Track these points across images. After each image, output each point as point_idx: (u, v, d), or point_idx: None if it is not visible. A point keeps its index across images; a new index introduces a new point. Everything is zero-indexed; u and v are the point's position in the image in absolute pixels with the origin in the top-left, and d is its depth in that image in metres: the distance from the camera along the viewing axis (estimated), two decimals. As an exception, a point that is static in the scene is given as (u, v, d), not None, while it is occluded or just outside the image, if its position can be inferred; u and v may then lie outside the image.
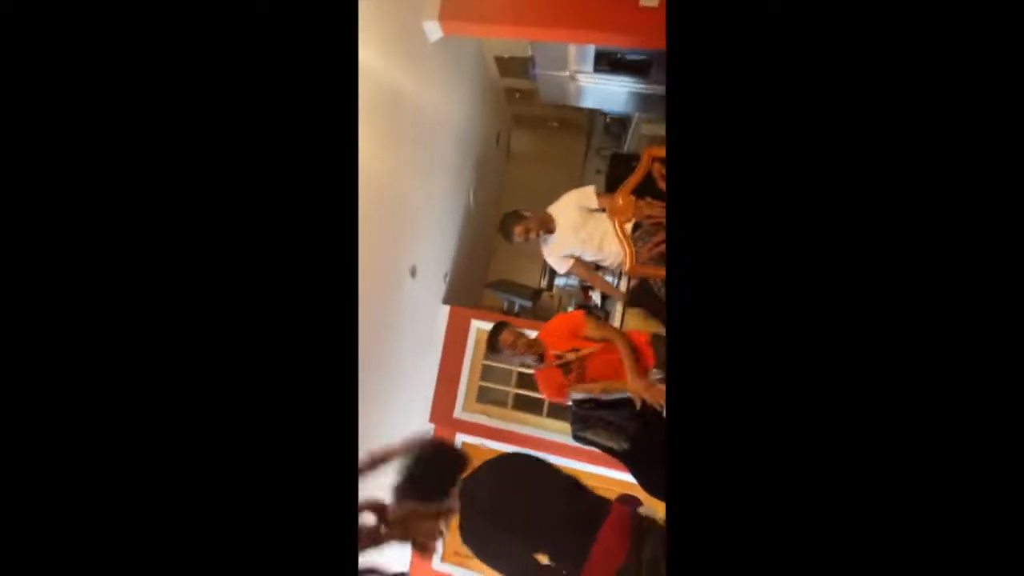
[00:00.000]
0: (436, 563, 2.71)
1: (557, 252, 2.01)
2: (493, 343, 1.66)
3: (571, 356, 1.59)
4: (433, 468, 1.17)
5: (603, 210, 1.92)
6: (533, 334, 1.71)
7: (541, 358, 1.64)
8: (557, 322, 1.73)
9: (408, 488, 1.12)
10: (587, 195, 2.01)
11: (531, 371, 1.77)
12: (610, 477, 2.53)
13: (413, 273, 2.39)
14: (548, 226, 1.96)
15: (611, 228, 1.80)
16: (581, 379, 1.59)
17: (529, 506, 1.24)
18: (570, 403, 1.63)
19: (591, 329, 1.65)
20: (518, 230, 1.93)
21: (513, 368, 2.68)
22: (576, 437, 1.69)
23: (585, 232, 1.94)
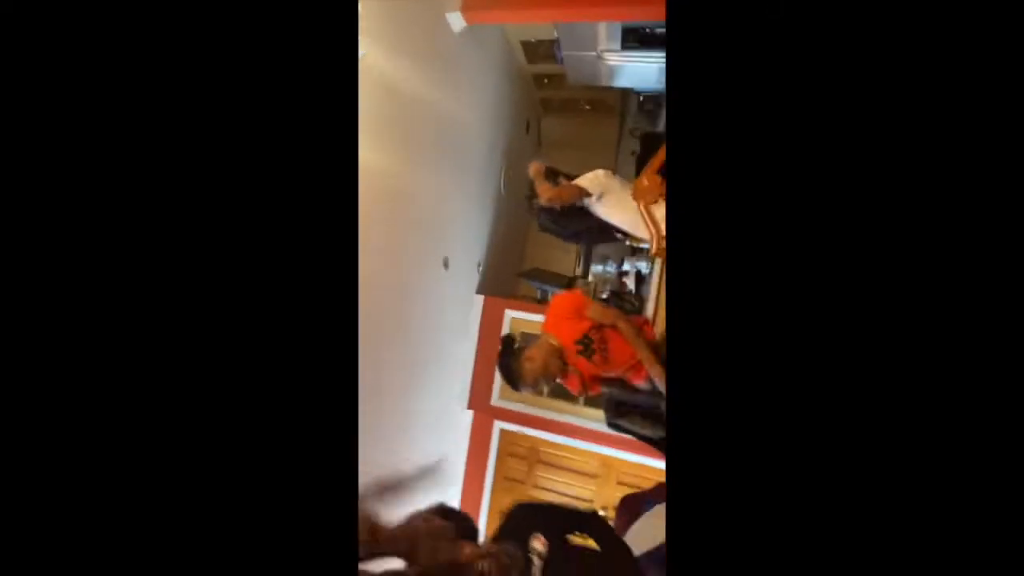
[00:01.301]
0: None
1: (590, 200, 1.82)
2: (511, 373, 1.48)
3: (593, 339, 1.46)
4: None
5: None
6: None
7: (565, 364, 1.50)
8: (559, 306, 1.56)
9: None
10: (615, 180, 1.86)
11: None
12: (647, 465, 2.49)
13: (446, 265, 2.45)
14: (583, 194, 1.79)
15: (640, 209, 1.73)
16: (605, 361, 1.49)
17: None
18: (603, 390, 1.56)
19: (594, 311, 1.51)
20: (550, 195, 1.76)
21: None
22: (611, 424, 1.66)
23: (614, 203, 1.79)
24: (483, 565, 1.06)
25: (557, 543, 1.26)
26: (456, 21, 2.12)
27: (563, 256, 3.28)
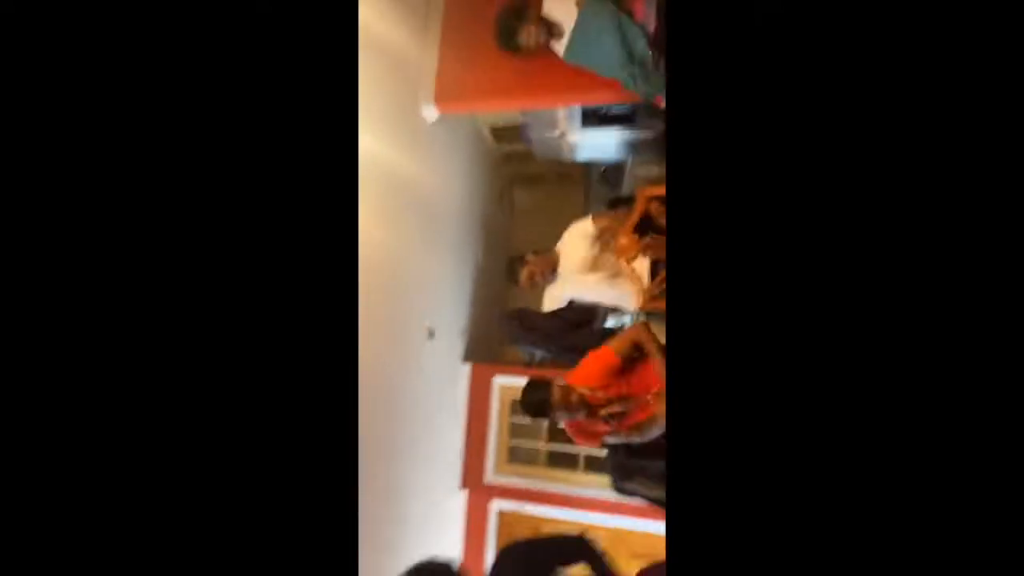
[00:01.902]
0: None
1: (556, 292, 1.95)
2: (539, 405, 1.47)
3: (618, 408, 1.47)
4: None
5: (603, 235, 1.89)
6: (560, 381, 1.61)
7: (591, 410, 1.49)
8: (588, 367, 1.57)
9: None
10: (585, 226, 1.97)
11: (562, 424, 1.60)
12: (657, 534, 2.33)
13: (431, 335, 2.43)
14: (555, 267, 1.92)
15: (623, 266, 1.81)
16: (619, 426, 1.49)
17: None
18: (604, 445, 1.53)
19: (617, 347, 1.52)
20: (524, 275, 1.89)
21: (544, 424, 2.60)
22: (617, 488, 1.59)
23: (598, 274, 1.90)
24: None
25: None
26: (430, 112, 2.33)
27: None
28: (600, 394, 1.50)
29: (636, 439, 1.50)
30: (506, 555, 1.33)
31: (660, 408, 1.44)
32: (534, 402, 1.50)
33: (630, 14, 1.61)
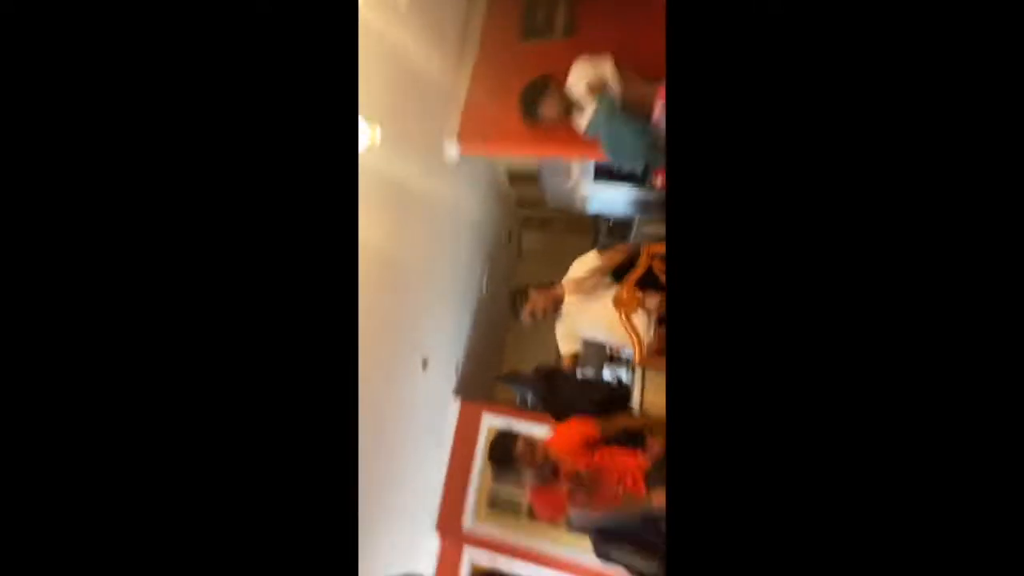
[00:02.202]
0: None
1: (566, 330, 1.94)
2: (503, 456, 1.48)
3: (585, 475, 1.44)
4: None
5: (606, 269, 1.90)
6: (543, 434, 1.63)
7: (556, 472, 1.47)
8: (565, 432, 1.60)
9: None
10: (588, 259, 1.96)
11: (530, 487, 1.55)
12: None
13: (424, 365, 2.40)
14: (559, 302, 1.90)
15: (622, 320, 1.83)
16: (589, 500, 1.43)
17: None
18: (569, 525, 1.46)
19: (604, 425, 1.56)
20: (527, 309, 1.87)
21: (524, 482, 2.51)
22: (600, 555, 1.52)
23: (594, 310, 1.89)
24: None
25: None
26: (452, 150, 2.43)
27: (545, 358, 3.29)
28: (569, 462, 1.48)
29: (606, 523, 1.43)
30: None
31: (638, 494, 1.40)
32: (499, 449, 1.51)
33: (648, 116, 1.71)
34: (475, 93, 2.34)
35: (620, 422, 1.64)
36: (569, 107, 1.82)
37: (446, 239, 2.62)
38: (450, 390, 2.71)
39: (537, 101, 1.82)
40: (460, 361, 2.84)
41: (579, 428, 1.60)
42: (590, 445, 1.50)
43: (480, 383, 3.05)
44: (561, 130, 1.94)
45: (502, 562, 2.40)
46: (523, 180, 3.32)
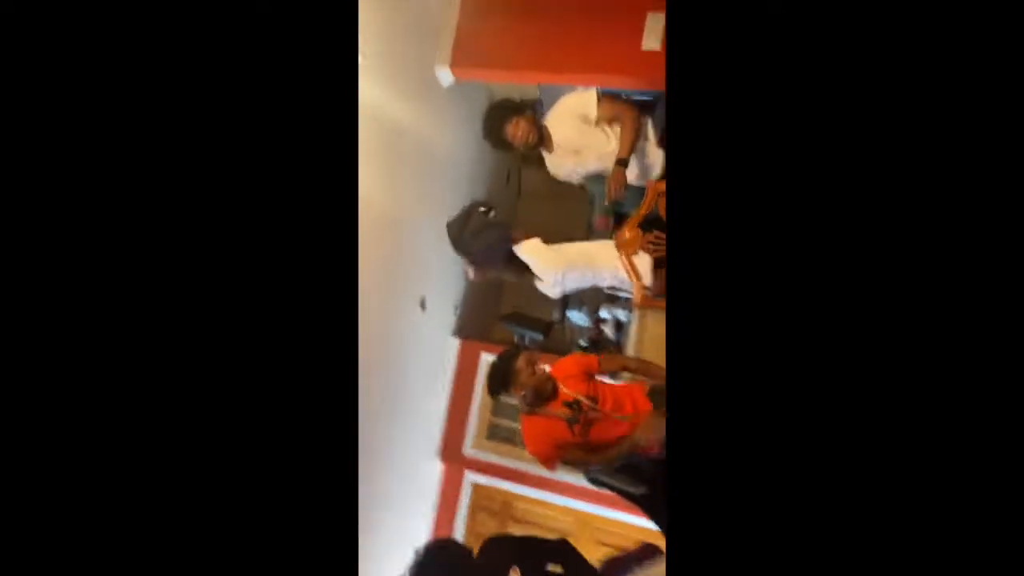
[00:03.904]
0: None
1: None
2: (504, 374, 1.46)
3: (586, 401, 1.43)
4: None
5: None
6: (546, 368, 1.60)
7: (551, 397, 1.48)
8: (566, 362, 1.61)
9: None
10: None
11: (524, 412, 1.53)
12: (628, 523, 2.39)
13: (423, 306, 2.41)
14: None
15: (623, 261, 1.78)
16: (585, 437, 1.43)
17: None
18: (558, 469, 1.46)
19: (605, 362, 1.58)
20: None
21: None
22: (590, 479, 1.60)
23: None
24: None
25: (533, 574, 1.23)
26: (445, 76, 2.23)
27: (542, 301, 3.30)
28: (569, 386, 1.48)
29: (598, 465, 1.44)
30: (495, 543, 1.37)
31: (635, 435, 1.38)
32: (499, 371, 1.49)
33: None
34: (467, 10, 2.10)
35: (620, 361, 1.66)
36: (541, 136, 1.70)
37: (443, 179, 2.50)
38: (449, 331, 2.74)
39: (503, 121, 1.71)
40: (459, 303, 2.84)
41: (580, 360, 1.62)
42: (590, 375, 1.52)
43: (478, 324, 3.08)
44: (560, 34, 1.75)
45: (501, 484, 2.59)
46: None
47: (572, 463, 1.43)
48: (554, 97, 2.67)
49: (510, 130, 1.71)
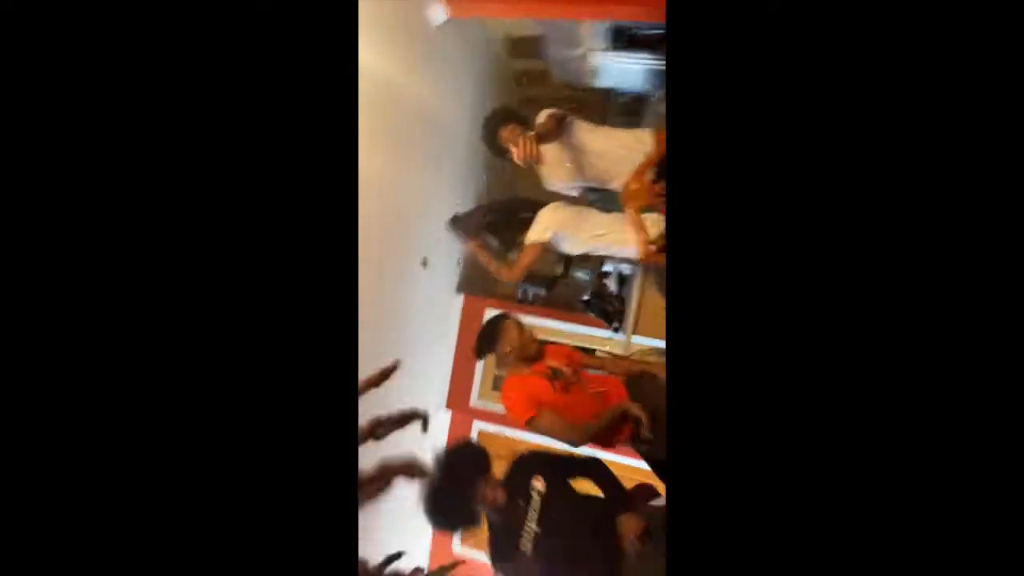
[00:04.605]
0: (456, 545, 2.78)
1: (544, 223, 1.74)
2: (490, 336, 1.49)
3: (567, 370, 1.46)
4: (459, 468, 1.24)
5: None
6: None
7: (535, 358, 1.50)
8: (556, 347, 1.63)
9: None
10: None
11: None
12: (629, 465, 2.51)
13: (425, 264, 2.39)
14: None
15: (628, 214, 1.71)
16: (564, 397, 1.42)
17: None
18: (527, 427, 1.41)
19: (585, 360, 1.60)
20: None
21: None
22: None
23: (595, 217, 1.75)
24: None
25: (557, 484, 1.30)
26: (437, 13, 2.05)
27: (544, 255, 3.26)
28: (554, 357, 1.52)
29: (567, 438, 1.41)
30: (525, 457, 1.40)
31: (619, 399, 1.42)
32: (486, 332, 1.53)
33: None
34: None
35: (600, 361, 1.70)
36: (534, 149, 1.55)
37: (441, 131, 2.38)
38: (453, 287, 2.75)
39: (498, 126, 1.69)
40: (461, 259, 2.81)
41: (568, 349, 1.66)
42: (574, 363, 1.55)
43: (482, 280, 3.08)
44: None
45: (506, 432, 2.71)
46: (524, 50, 2.88)
47: (539, 428, 1.40)
48: (558, 34, 2.46)
49: (505, 135, 1.71)
